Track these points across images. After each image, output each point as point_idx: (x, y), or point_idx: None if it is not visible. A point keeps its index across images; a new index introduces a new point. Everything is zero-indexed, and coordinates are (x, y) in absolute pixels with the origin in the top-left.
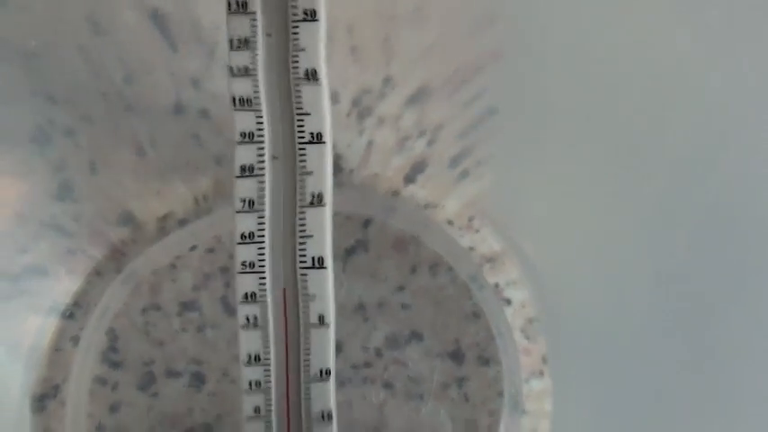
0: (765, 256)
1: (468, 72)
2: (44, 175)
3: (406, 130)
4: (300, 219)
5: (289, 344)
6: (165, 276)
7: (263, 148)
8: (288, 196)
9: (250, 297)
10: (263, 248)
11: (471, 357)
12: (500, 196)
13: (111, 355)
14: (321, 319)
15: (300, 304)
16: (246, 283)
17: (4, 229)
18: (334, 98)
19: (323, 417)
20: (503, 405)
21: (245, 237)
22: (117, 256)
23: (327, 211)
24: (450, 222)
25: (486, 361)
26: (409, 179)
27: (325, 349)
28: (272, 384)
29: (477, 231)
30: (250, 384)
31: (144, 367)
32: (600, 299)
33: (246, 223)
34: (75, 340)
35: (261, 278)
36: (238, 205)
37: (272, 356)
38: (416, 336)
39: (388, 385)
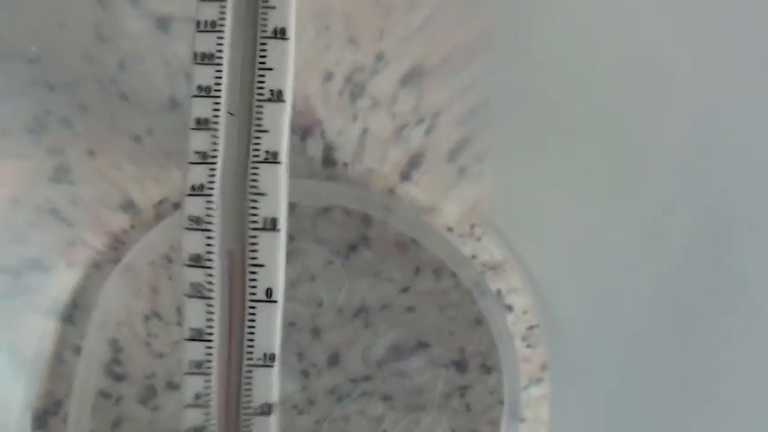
0: (766, 258)
1: (464, 57)
2: (40, 158)
3: (402, 117)
4: (253, 174)
5: (233, 319)
6: (162, 273)
7: (218, 103)
8: (242, 152)
9: (196, 260)
10: (212, 202)
11: (474, 365)
12: (501, 203)
13: (114, 368)
14: (269, 293)
15: (247, 274)
16: (193, 242)
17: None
18: (328, 78)
19: (263, 410)
20: (502, 413)
21: (195, 188)
22: (116, 245)
23: (282, 171)
24: (450, 230)
25: (488, 369)
26: (405, 175)
27: (270, 329)
28: (214, 366)
29: (479, 240)
30: (191, 364)
31: (145, 380)
32: (601, 306)
33: (197, 175)
34: (77, 350)
35: (208, 237)
36: (191, 156)
37: (215, 332)
38: (422, 344)
39: (387, 398)
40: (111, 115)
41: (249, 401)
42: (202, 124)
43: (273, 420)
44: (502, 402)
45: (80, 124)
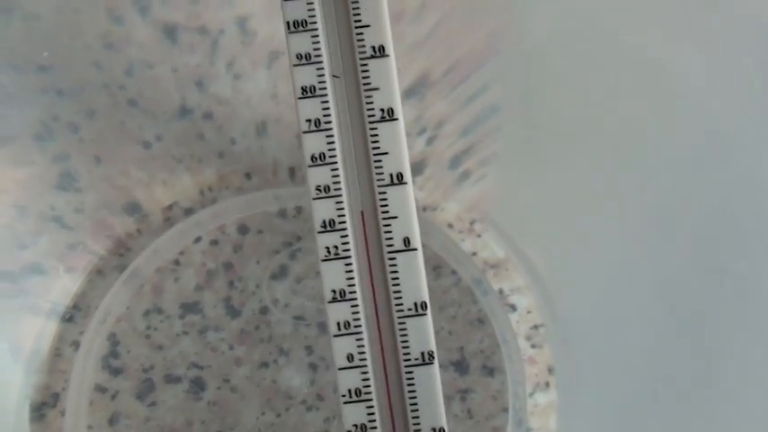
0: None
1: (470, 65)
2: (46, 165)
3: (405, 127)
4: (373, 135)
5: (374, 275)
6: (168, 275)
7: (322, 68)
8: (355, 114)
9: (329, 225)
10: (337, 169)
11: (475, 367)
12: (502, 200)
13: (112, 361)
14: (407, 242)
15: (382, 228)
16: (323, 209)
17: (3, 223)
18: None
19: (424, 358)
20: (507, 421)
21: (316, 158)
22: (121, 251)
23: (400, 126)
24: (450, 226)
25: (490, 371)
26: None
27: (416, 276)
28: (363, 324)
29: (479, 236)
30: (338, 326)
31: (143, 374)
32: (606, 306)
33: (314, 143)
34: (76, 345)
35: (338, 202)
36: (304, 126)
37: (357, 291)
38: None
39: None
40: (119, 120)
41: (408, 353)
42: (309, 92)
43: (436, 368)
44: (506, 410)
45: (87, 130)
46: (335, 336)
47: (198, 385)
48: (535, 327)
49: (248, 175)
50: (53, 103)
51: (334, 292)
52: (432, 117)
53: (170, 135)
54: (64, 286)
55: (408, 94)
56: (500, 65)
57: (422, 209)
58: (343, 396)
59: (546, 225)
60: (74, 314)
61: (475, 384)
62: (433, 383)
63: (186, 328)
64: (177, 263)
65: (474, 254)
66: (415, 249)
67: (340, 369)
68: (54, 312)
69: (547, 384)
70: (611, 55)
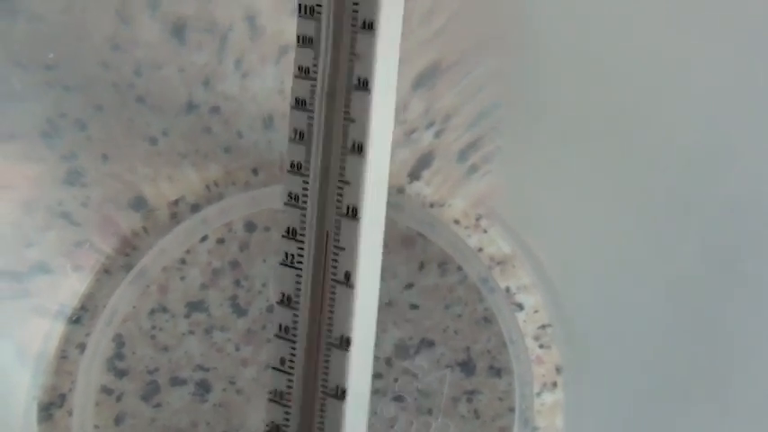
0: None
1: (477, 58)
2: (54, 162)
3: (412, 122)
4: (342, 162)
5: (324, 296)
6: (174, 274)
7: (315, 85)
8: (336, 138)
9: (291, 233)
10: (308, 182)
11: (482, 367)
12: (508, 196)
13: (117, 363)
14: (347, 276)
15: (331, 255)
16: (290, 217)
17: (11, 220)
18: None
19: (336, 392)
20: (513, 421)
21: (294, 166)
22: (127, 250)
23: (366, 163)
24: (456, 222)
25: (497, 371)
26: (414, 175)
27: (346, 313)
28: (300, 335)
29: (485, 231)
30: (279, 327)
31: (148, 376)
32: (614, 305)
33: (296, 152)
34: (82, 347)
35: (302, 214)
36: (291, 134)
37: (302, 303)
38: (427, 343)
39: (398, 398)
40: (126, 117)
41: (325, 381)
42: (301, 105)
43: (348, 408)
44: (513, 410)
45: (94, 127)
46: (275, 336)
47: (203, 387)
48: (543, 327)
49: (255, 171)
50: (60, 100)
51: (282, 295)
52: (440, 110)
53: (176, 130)
54: (71, 286)
55: (416, 86)
56: (506, 59)
57: (429, 205)
58: (269, 394)
59: (553, 222)
60: (81, 315)
61: (481, 385)
62: (338, 419)
63: (192, 327)
64: (183, 261)
65: (480, 249)
66: (352, 287)
67: (272, 368)
68: (61, 314)
69: (554, 384)
70: (618, 50)
